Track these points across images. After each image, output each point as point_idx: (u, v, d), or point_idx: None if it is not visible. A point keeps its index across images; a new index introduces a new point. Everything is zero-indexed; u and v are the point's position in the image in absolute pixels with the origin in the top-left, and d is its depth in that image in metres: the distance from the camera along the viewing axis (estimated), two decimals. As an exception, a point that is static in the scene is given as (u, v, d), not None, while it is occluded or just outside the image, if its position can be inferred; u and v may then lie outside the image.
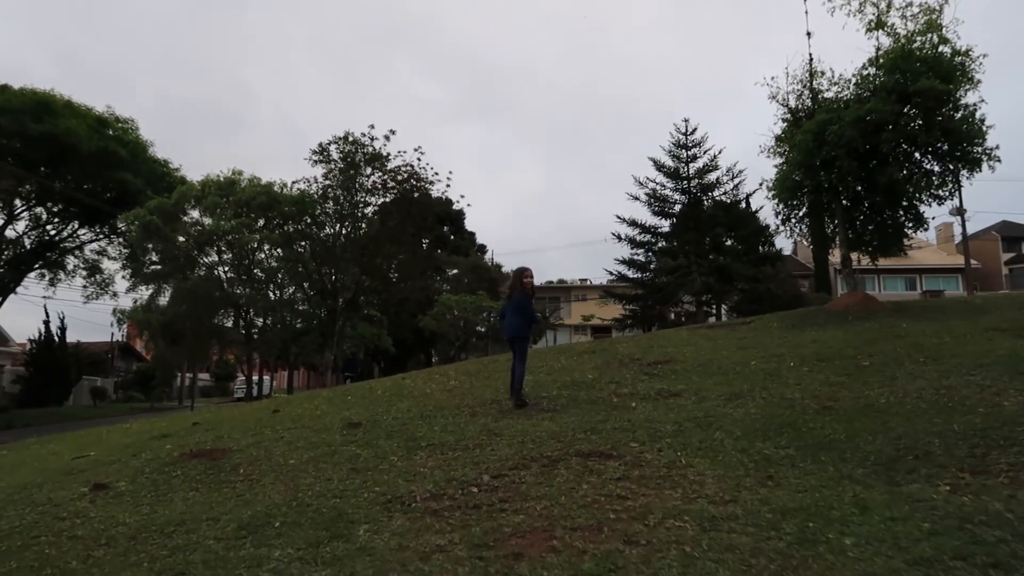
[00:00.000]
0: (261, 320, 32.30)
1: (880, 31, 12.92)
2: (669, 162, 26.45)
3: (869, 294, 13.60)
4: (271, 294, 31.72)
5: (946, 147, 12.29)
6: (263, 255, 31.73)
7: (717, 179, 26.11)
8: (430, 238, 38.12)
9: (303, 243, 31.05)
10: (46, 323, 49.69)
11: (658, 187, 26.46)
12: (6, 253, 38.99)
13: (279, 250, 31.16)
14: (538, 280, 50.70)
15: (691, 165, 26.32)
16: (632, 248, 28.52)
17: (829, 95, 13.42)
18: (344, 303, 30.85)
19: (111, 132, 36.30)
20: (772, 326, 11.81)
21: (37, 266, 41.52)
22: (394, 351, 38.15)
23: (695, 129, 26.30)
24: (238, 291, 29.95)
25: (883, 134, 11.75)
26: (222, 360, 39.48)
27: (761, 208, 27.43)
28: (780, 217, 14.03)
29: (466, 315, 38.30)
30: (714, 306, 26.05)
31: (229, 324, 32.80)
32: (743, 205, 26.38)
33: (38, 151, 34.02)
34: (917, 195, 12.85)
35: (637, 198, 26.59)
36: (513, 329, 7.90)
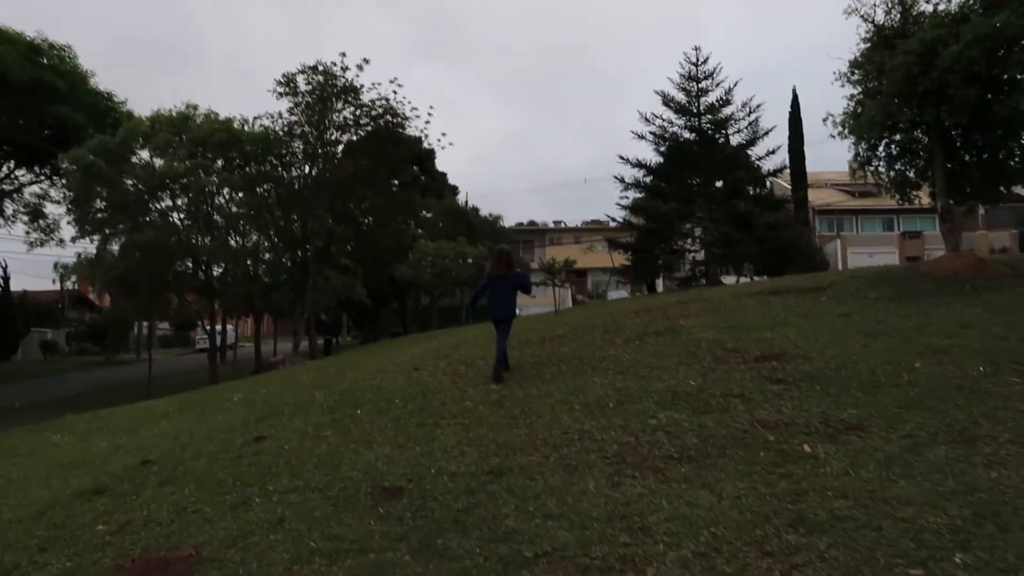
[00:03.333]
0: (220, 269, 29.35)
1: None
2: (679, 96, 23.82)
3: (978, 255, 11.46)
4: (233, 242, 28.76)
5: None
6: (223, 200, 28.64)
7: (731, 115, 23.63)
8: (406, 179, 35.22)
9: (267, 186, 28.03)
10: (-13, 271, 46.03)
11: (666, 124, 23.90)
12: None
13: (241, 194, 28.11)
14: (508, 223, 48.33)
15: (702, 99, 23.74)
16: (629, 190, 26.12)
17: (927, 8, 11.05)
18: (314, 252, 28.10)
19: (45, 61, 32.42)
20: (869, 296, 9.63)
21: (-33, 210, 37.79)
22: (369, 303, 35.54)
23: (707, 59, 23.66)
24: (196, 240, 26.95)
25: (1013, 55, 9.48)
26: (183, 309, 36.45)
27: (778, 149, 24.99)
28: (859, 158, 11.80)
29: (446, 262, 35.73)
30: (723, 260, 23.77)
31: (189, 271, 29.81)
32: (757, 143, 24.01)
33: (-40, 81, 30.13)
34: (1032, 130, 10.64)
35: (643, 136, 23.98)
36: (508, 310, 8.28)
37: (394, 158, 30.53)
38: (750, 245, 22.19)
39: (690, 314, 10.03)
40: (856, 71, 11.70)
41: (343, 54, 25.67)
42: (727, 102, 23.55)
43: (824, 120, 12.03)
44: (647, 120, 23.84)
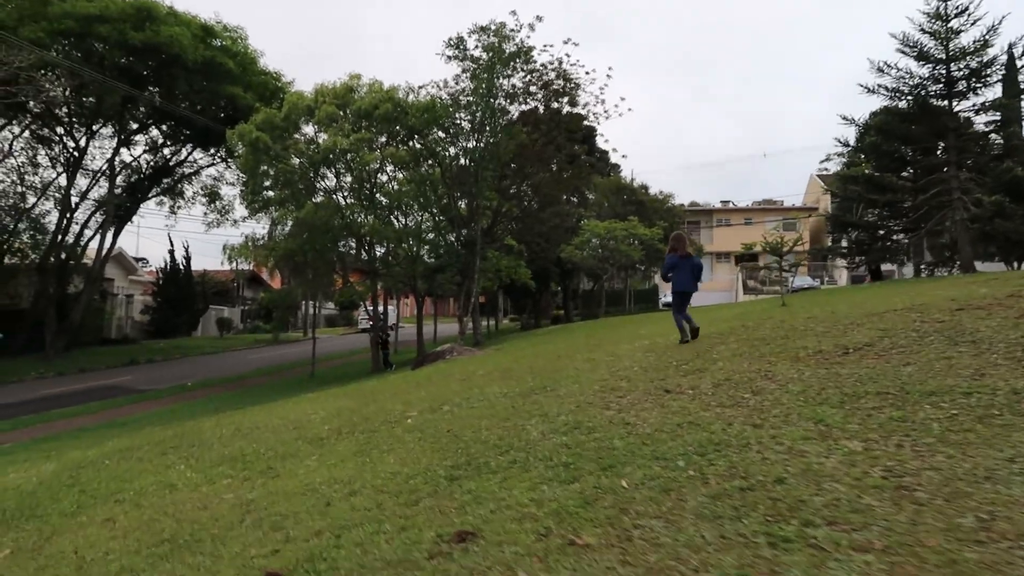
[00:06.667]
0: (383, 249, 27.96)
1: None
2: (925, 41, 19.16)
3: None
4: (395, 221, 27.23)
5: None
6: (386, 177, 27.19)
7: (990, 61, 18.74)
8: (574, 155, 32.41)
9: (431, 162, 26.19)
10: (171, 252, 48.42)
11: (905, 76, 19.38)
12: (121, 178, 36.69)
13: (403, 171, 26.50)
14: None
15: (952, 42, 19.05)
16: (843, 156, 21.85)
17: None
18: (480, 232, 26.01)
19: (218, 42, 32.57)
20: None
21: (154, 193, 39.26)
22: (534, 285, 33.23)
23: (959, -10, 18.91)
24: (360, 219, 25.60)
25: None
26: (346, 289, 36.02)
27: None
28: None
29: (618, 245, 32.73)
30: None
31: (352, 251, 28.83)
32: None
33: (141, 64, 30.69)
34: None
35: (874, 90, 19.58)
36: (692, 287, 9.43)
37: (564, 130, 27.91)
38: (1019, 221, 17.44)
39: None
40: None
41: (514, 12, 23.18)
42: (986, 43, 18.70)
43: None
44: (880, 70, 19.40)
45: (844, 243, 22.89)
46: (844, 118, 19.82)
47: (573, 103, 25.51)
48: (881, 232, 20.68)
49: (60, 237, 33.80)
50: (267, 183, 25.40)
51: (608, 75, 29.63)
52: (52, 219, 34.71)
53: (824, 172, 25.36)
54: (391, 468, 4.90)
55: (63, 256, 34.35)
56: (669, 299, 10.35)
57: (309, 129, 25.65)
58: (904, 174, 19.77)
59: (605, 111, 25.87)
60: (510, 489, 4.06)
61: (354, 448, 5.81)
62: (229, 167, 38.27)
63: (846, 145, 20.17)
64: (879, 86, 19.73)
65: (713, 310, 19.84)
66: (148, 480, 5.83)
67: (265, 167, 24.48)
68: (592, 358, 9.22)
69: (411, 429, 6.15)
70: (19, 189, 34.07)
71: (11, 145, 32.66)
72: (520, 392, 7.08)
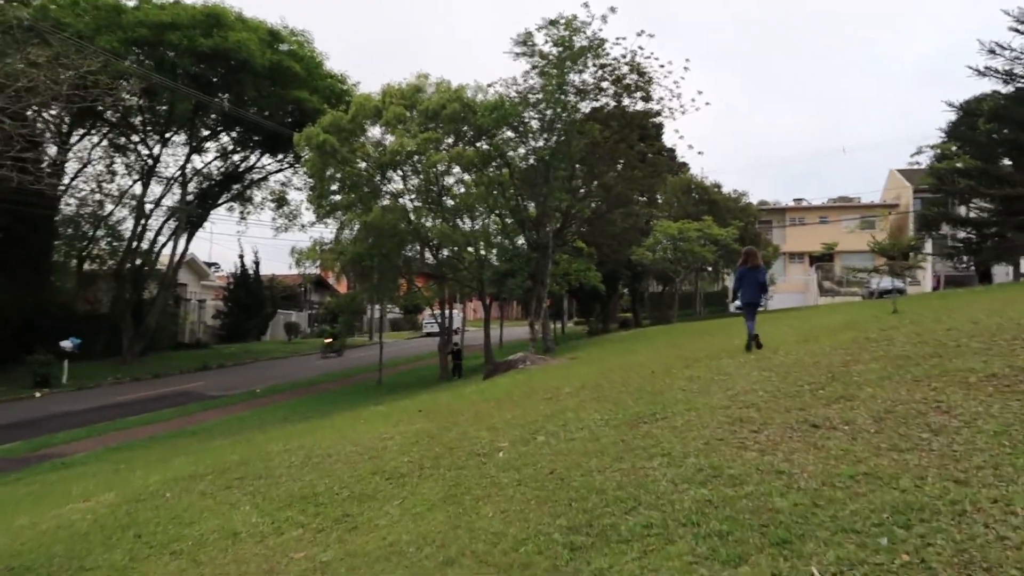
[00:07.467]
0: (448, 252, 27.27)
1: None
2: (1042, 15, 17.38)
3: None
4: (460, 223, 26.50)
5: None
6: (453, 179, 26.54)
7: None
8: (645, 153, 31.12)
9: (498, 162, 25.39)
10: (241, 257, 49.14)
11: (1021, 55, 17.59)
12: (193, 184, 37.16)
13: (470, 174, 25.77)
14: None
15: (1075, 17, 17.18)
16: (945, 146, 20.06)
17: None
18: (551, 235, 25.12)
19: (284, 46, 32.59)
20: None
21: (224, 199, 39.73)
22: (603, 288, 32.14)
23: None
24: (427, 223, 25.02)
25: None
26: (411, 294, 35.50)
27: None
28: None
29: (690, 246, 31.36)
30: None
31: (417, 255, 28.32)
32: None
33: (211, 71, 30.89)
34: None
35: (985, 73, 17.89)
36: (757, 297, 10.47)
37: (636, 127, 26.76)
38: None
39: None
40: None
41: (586, 3, 22.18)
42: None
43: None
44: (992, 51, 17.67)
45: (929, 242, 21.07)
46: (949, 104, 18.15)
47: (647, 98, 24.32)
48: (993, 229, 18.90)
49: (135, 243, 34.38)
50: (334, 187, 25.05)
51: (685, 67, 28.20)
52: (128, 226, 35.38)
53: (916, 166, 23.57)
54: (492, 526, 4.04)
55: (138, 262, 34.95)
56: (739, 303, 10.99)
57: (375, 131, 25.23)
58: (1003, 163, 17.99)
59: (681, 106, 24.45)
60: (656, 571, 3.14)
61: (441, 491, 4.98)
62: (296, 172, 38.39)
63: (948, 135, 18.45)
64: (989, 68, 18.00)
65: (803, 316, 18.39)
66: (209, 524, 5.12)
67: (332, 170, 24.10)
68: (695, 375, 8.20)
69: (505, 467, 5.28)
70: (97, 197, 34.88)
71: (90, 154, 33.46)
72: (625, 420, 6.14)
